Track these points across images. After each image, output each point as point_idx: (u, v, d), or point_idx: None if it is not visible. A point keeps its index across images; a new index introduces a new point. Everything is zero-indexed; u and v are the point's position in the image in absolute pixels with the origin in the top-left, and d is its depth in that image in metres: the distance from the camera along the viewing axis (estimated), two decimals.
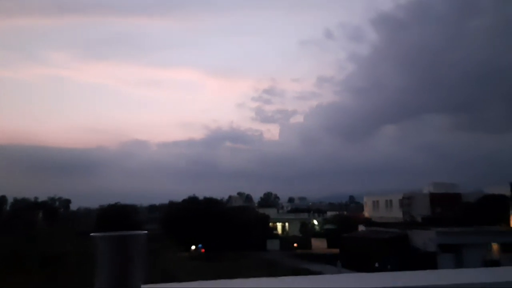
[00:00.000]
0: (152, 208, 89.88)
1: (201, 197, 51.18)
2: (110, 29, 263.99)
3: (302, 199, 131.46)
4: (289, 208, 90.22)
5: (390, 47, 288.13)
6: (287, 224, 63.41)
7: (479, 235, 38.20)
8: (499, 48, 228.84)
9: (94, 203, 75.63)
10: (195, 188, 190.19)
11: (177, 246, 46.31)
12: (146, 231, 1.23)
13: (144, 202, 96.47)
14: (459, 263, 36.72)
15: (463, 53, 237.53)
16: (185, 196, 51.92)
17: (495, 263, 36.55)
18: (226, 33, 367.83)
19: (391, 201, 61.06)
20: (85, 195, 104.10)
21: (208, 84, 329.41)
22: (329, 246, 48.89)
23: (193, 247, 43.64)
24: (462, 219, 42.61)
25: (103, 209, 64.43)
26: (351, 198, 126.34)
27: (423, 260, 35.79)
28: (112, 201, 64.98)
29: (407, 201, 56.33)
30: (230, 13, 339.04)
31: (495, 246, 39.61)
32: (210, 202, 49.81)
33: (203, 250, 43.91)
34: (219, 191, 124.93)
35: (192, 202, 49.71)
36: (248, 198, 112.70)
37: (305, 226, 59.50)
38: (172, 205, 55.80)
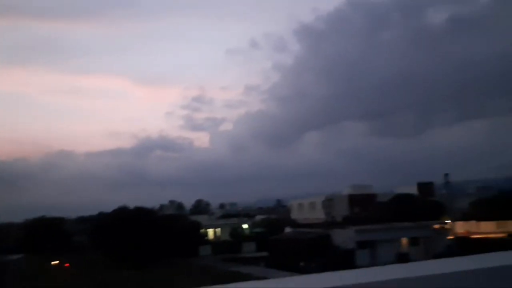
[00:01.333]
0: (81, 220, 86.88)
1: (132, 206, 50.10)
2: (28, 34, 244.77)
3: (232, 204, 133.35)
4: (220, 214, 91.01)
5: (312, 57, 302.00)
6: (218, 229, 64.21)
7: (391, 231, 42.07)
8: (408, 58, 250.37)
9: (18, 217, 72.23)
10: (126, 198, 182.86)
11: (107, 256, 45.13)
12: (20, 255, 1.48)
13: (73, 214, 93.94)
14: (374, 258, 40.21)
15: (377, 63, 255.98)
16: (115, 207, 50.46)
17: (404, 256, 40.63)
18: (153, 40, 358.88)
19: (314, 203, 64.60)
20: (8, 209, 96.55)
21: (136, 92, 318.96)
22: (259, 249, 50.46)
23: None
24: (377, 217, 46.49)
25: (28, 223, 60.51)
26: (279, 201, 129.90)
27: (343, 257, 38.71)
28: (38, 214, 61.44)
29: (328, 202, 60.02)
30: (157, 20, 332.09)
31: (404, 240, 43.96)
32: (141, 212, 48.56)
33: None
34: (151, 200, 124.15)
35: (122, 212, 48.15)
36: (179, 206, 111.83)
37: (236, 231, 60.72)
38: (101, 216, 53.96)
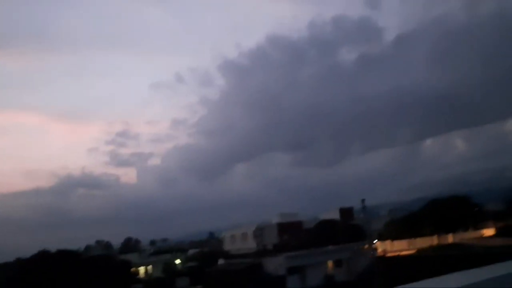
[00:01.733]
0: None
1: (54, 250, 47.42)
2: None
3: (164, 240, 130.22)
4: (151, 251, 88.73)
5: (237, 91, 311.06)
6: (150, 267, 62.85)
7: (318, 255, 44.87)
8: (325, 93, 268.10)
9: None
10: (47, 241, 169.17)
11: None
12: None
13: None
14: (303, 282, 42.52)
15: (297, 97, 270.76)
16: (35, 251, 47.45)
17: (331, 278, 43.56)
18: (72, 74, 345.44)
19: (246, 233, 66.20)
20: None
21: (54, 128, 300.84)
22: (193, 283, 50.48)
23: None
24: (304, 243, 49.21)
25: None
26: (211, 234, 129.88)
27: (275, 284, 40.48)
28: None
29: (259, 232, 62.05)
30: (78, 53, 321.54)
31: (330, 263, 46.99)
32: (64, 255, 45.47)
33: None
34: (75, 241, 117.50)
35: (43, 256, 44.93)
36: (107, 245, 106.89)
37: (168, 267, 60.04)
38: (19, 262, 50.10)
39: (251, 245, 61.20)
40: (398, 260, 45.52)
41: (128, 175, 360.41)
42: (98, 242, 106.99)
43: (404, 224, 55.64)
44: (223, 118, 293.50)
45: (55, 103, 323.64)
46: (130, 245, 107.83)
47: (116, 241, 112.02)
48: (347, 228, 50.65)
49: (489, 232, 65.21)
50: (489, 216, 66.98)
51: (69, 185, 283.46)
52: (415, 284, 2.37)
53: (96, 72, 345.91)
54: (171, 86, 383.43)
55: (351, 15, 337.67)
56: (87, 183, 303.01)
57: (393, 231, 55.03)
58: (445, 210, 56.36)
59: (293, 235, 55.18)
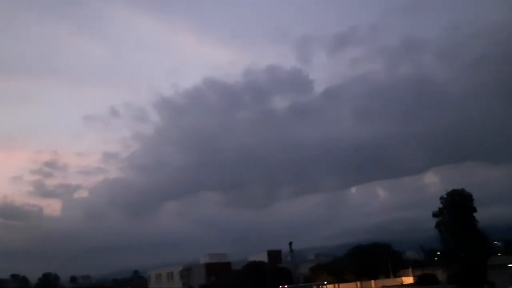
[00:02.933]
0: None
1: None
2: None
3: (85, 277, 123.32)
4: None
5: (171, 128, 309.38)
6: None
7: None
8: (257, 137, 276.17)
9: None
10: None
11: None
12: None
13: None
14: None
15: (230, 139, 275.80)
16: None
17: None
18: (2, 99, 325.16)
19: (172, 273, 64.13)
20: None
21: None
22: None
23: None
24: (232, 285, 48.72)
25: None
26: (136, 272, 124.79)
27: None
28: None
29: (186, 272, 60.43)
30: (7, 79, 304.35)
31: None
32: None
33: None
34: None
35: None
36: (23, 280, 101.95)
37: None
38: None
39: (177, 285, 59.34)
40: None
41: (52, 207, 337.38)
42: (13, 276, 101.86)
43: (329, 269, 57.05)
44: (156, 155, 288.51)
45: None
46: (48, 281, 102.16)
47: (34, 276, 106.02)
48: (275, 271, 50.96)
49: (408, 279, 67.97)
50: (408, 264, 69.89)
51: None
52: None
53: (27, 99, 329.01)
54: (104, 119, 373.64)
55: (284, 66, 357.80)
56: (6, 213, 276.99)
57: (319, 275, 56.12)
58: (367, 257, 58.42)
59: (221, 276, 54.43)
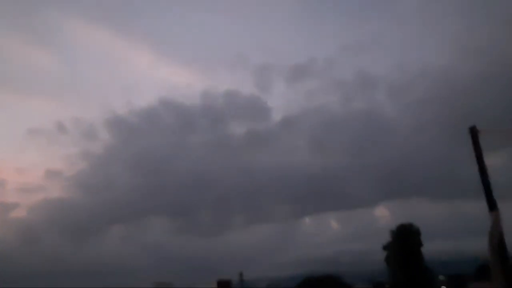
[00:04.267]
0: None
1: None
2: None
3: None
4: None
5: (122, 148, 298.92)
6: None
7: None
8: (211, 162, 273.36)
9: None
10: None
11: None
12: None
13: None
14: None
15: (183, 163, 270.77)
16: None
17: None
18: None
19: None
20: None
21: None
22: None
23: None
24: None
25: None
26: None
27: None
28: None
29: None
30: None
31: None
32: None
33: None
34: None
35: None
36: None
37: None
38: None
39: None
40: None
41: None
42: None
43: None
44: (104, 175, 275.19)
45: None
46: None
47: None
48: None
49: None
50: None
51: None
52: None
53: None
54: (50, 134, 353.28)
55: (243, 92, 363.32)
56: None
57: None
58: None
59: None
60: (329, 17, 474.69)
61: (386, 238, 40.82)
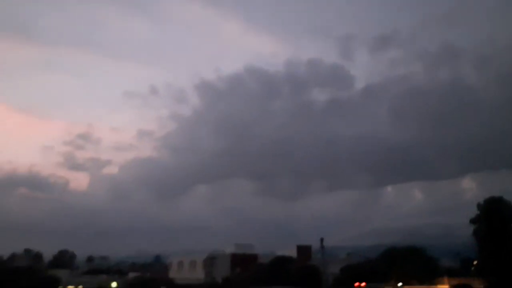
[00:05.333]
0: None
1: None
2: None
3: (103, 258, 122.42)
4: (86, 269, 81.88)
5: (209, 112, 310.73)
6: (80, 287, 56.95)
7: None
8: (293, 128, 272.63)
9: None
10: None
11: None
12: None
13: None
14: None
15: (266, 128, 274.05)
16: None
17: None
18: (42, 68, 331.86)
19: (195, 261, 62.08)
20: None
21: (10, 119, 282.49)
22: None
23: None
24: (257, 279, 45.91)
25: None
26: (157, 257, 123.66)
27: None
28: None
29: (210, 261, 58.17)
30: (50, 47, 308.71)
31: None
32: None
33: None
34: (0, 247, 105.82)
35: None
36: (37, 256, 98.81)
37: None
38: None
39: (199, 275, 57.21)
40: None
41: (79, 181, 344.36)
42: (26, 251, 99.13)
43: (361, 270, 53.63)
44: (191, 137, 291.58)
45: (17, 94, 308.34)
46: (64, 259, 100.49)
47: (48, 252, 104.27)
48: (304, 269, 47.84)
49: None
50: (443, 272, 67.55)
51: (10, 183, 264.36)
52: None
53: (67, 70, 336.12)
54: (143, 97, 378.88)
55: (326, 60, 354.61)
56: (32, 182, 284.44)
57: (351, 277, 52.76)
58: (401, 261, 55.44)
59: (246, 269, 51.83)
60: None
61: (473, 211, 39.55)
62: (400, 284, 50.19)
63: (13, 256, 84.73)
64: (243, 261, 55.40)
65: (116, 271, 76.32)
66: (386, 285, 53.37)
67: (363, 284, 49.97)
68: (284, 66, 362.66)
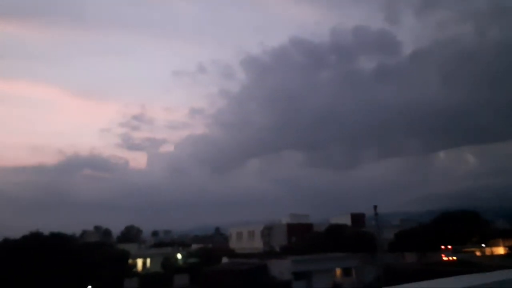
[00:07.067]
0: None
1: (47, 232, 42.93)
2: None
3: (167, 232, 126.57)
4: (152, 243, 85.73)
5: (256, 87, 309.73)
6: (148, 260, 58.98)
7: (326, 261, 42.29)
8: (341, 97, 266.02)
9: None
10: (42, 221, 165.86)
11: None
12: None
13: None
14: None
15: (314, 99, 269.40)
16: (26, 232, 42.59)
17: (338, 286, 40.64)
18: (95, 52, 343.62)
19: (253, 232, 63.57)
20: None
21: (69, 104, 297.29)
22: (193, 281, 47.12)
23: None
24: (313, 247, 46.48)
25: None
26: (217, 229, 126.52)
27: None
28: None
29: (267, 231, 59.36)
30: (103, 32, 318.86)
31: (338, 270, 44.14)
32: (58, 239, 42.12)
33: None
34: (72, 225, 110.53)
35: (34, 238, 41.06)
36: (106, 232, 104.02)
37: (168, 262, 56.16)
38: (7, 243, 46.08)
39: (257, 244, 58.63)
40: (409, 273, 42.53)
41: (138, 160, 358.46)
42: (96, 227, 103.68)
43: (415, 235, 52.71)
44: (241, 112, 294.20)
45: (74, 79, 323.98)
46: (131, 234, 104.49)
47: (116, 228, 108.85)
48: (358, 235, 47.73)
49: (499, 250, 63.76)
50: (498, 234, 65.84)
51: (75, 165, 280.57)
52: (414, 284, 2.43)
53: (119, 53, 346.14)
54: (192, 75, 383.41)
55: (372, 27, 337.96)
56: (95, 164, 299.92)
57: (405, 242, 52.06)
58: (455, 225, 53.92)
59: (302, 237, 52.45)
60: None
61: None
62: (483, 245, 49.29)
63: (84, 233, 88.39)
64: (298, 230, 56.05)
65: (180, 243, 79.21)
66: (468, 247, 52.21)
67: (449, 247, 49.50)
68: (329, 35, 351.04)
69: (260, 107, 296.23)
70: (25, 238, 41.60)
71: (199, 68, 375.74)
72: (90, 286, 40.25)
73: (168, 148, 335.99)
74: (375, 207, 55.30)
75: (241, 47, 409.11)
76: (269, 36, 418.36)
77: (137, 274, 51.70)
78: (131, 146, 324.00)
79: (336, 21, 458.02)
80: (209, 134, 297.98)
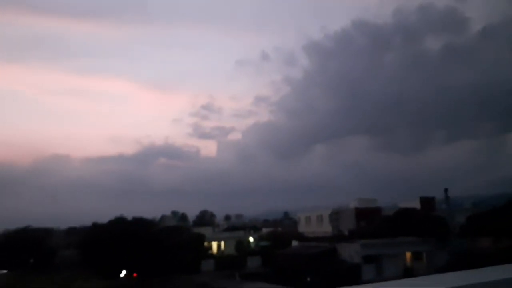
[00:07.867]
0: (72, 231, 77.61)
1: (130, 217, 46.07)
2: (28, 30, 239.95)
3: (238, 216, 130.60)
4: (225, 227, 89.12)
5: (320, 72, 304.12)
6: (222, 243, 60.92)
7: (396, 245, 42.17)
8: (407, 80, 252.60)
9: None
10: (124, 207, 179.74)
11: (100, 273, 39.95)
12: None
13: (63, 224, 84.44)
14: (379, 273, 40.00)
15: (378, 82, 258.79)
16: (112, 217, 46.01)
17: (409, 271, 40.46)
18: (163, 46, 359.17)
19: (321, 216, 64.36)
20: None
21: (142, 97, 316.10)
22: (265, 263, 48.53)
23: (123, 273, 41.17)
24: (382, 231, 46.38)
25: (8, 234, 52.08)
26: (286, 214, 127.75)
27: (349, 272, 38.40)
28: (22, 224, 53.58)
29: (335, 216, 59.91)
30: (168, 27, 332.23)
31: (408, 254, 43.81)
32: (139, 223, 44.96)
33: (135, 275, 41.51)
34: (151, 210, 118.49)
35: (119, 223, 44.13)
36: (182, 217, 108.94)
37: (241, 245, 57.94)
38: (95, 227, 48.14)
39: (326, 228, 59.52)
40: (483, 258, 40.95)
41: (208, 148, 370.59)
42: (173, 213, 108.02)
43: (489, 219, 50.07)
44: (305, 98, 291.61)
45: (144, 73, 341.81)
46: (205, 218, 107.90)
47: (191, 213, 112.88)
48: (428, 219, 46.71)
49: None
50: None
51: (151, 154, 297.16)
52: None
53: (184, 46, 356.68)
54: (255, 64, 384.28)
55: (437, 4, 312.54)
56: (168, 153, 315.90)
57: (478, 226, 49.74)
58: None
59: (371, 221, 52.39)
60: None
61: None
62: None
63: (162, 218, 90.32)
64: (367, 214, 55.84)
65: (251, 227, 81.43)
66: None
67: None
68: (393, 16, 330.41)
69: (324, 92, 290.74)
70: (111, 223, 45.11)
71: (262, 56, 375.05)
72: (124, 271, 41.70)
73: (236, 136, 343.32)
74: (446, 190, 53.59)
75: (303, 32, 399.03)
76: (331, 20, 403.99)
77: (212, 256, 54.09)
78: (202, 134, 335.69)
79: (400, 1, 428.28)
80: (274, 121, 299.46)
